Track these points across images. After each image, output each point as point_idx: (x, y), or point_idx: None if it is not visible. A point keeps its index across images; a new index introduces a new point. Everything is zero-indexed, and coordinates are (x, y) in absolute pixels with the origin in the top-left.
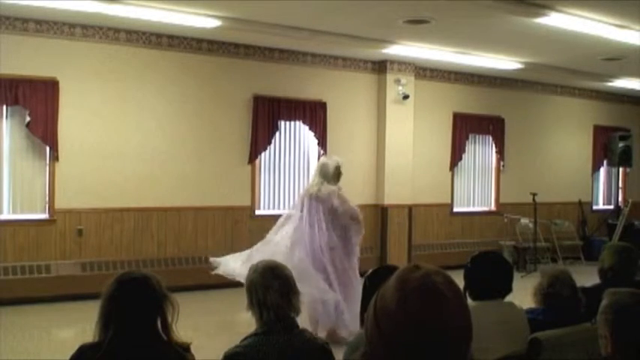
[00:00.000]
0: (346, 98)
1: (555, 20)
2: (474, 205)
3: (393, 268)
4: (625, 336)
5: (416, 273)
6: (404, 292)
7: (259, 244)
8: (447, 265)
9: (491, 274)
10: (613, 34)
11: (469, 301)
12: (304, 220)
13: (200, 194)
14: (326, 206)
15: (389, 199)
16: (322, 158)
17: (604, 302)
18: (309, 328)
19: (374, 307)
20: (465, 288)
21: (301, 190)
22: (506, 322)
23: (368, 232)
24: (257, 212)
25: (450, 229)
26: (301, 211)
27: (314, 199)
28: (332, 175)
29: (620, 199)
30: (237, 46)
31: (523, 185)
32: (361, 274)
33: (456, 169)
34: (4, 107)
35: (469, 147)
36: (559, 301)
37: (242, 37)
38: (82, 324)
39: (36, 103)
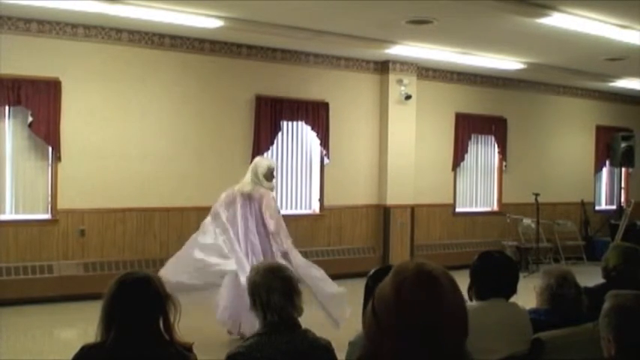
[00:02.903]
0: (348, 98)
1: (558, 20)
2: (476, 206)
3: None
4: (628, 339)
5: (411, 263)
6: (399, 279)
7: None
8: (449, 266)
9: (497, 273)
10: (615, 35)
11: (473, 301)
12: (238, 218)
13: (202, 194)
14: (255, 207)
15: (391, 200)
16: (257, 158)
17: (606, 305)
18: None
19: (372, 301)
20: (470, 286)
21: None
22: (509, 322)
23: (370, 233)
24: None
25: (453, 229)
26: (227, 210)
27: (246, 198)
28: (263, 176)
29: (622, 199)
30: (239, 46)
31: (525, 185)
32: (363, 275)
33: (458, 169)
34: (7, 107)
35: (471, 147)
36: (565, 302)
37: (244, 37)
38: (84, 324)
39: (38, 103)
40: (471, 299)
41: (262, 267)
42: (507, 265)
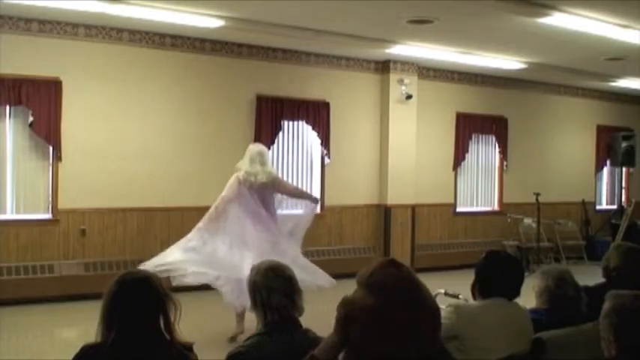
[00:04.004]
0: (349, 98)
1: (559, 20)
2: (477, 205)
3: None
4: (628, 339)
5: None
6: (368, 272)
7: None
8: (450, 265)
9: (502, 273)
10: (616, 34)
11: (475, 300)
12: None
13: (203, 194)
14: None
15: (392, 199)
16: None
17: (607, 305)
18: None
19: (349, 311)
20: (474, 284)
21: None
22: (510, 321)
23: (371, 232)
24: None
25: (453, 229)
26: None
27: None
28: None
29: (623, 199)
30: (240, 46)
31: (526, 185)
32: None
33: (459, 169)
34: (8, 107)
35: (472, 147)
36: (564, 302)
37: (245, 37)
38: (85, 324)
39: (39, 103)
40: (474, 297)
41: (263, 266)
42: (513, 266)
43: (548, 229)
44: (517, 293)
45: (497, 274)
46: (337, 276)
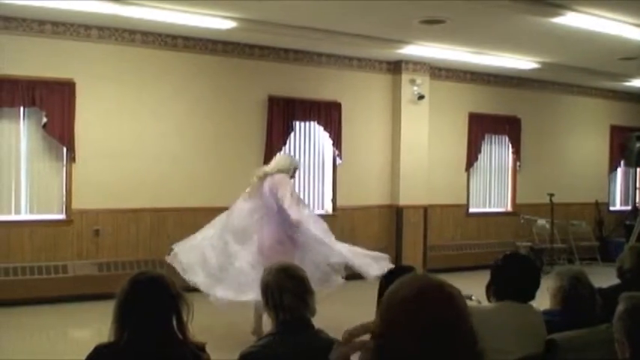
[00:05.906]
0: (361, 99)
1: (572, 20)
2: (490, 206)
3: (409, 269)
4: None
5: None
6: (416, 284)
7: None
8: (462, 266)
9: (519, 276)
10: (630, 34)
11: (490, 301)
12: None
13: (215, 195)
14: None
15: (404, 200)
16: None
17: (620, 307)
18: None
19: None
20: (489, 285)
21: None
22: (523, 323)
23: (383, 233)
24: None
25: (466, 229)
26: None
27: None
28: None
29: (637, 199)
30: (252, 47)
31: (540, 186)
32: None
33: (471, 169)
34: (21, 109)
35: (485, 147)
36: (579, 303)
37: (257, 38)
38: (98, 324)
39: (53, 104)
40: (488, 298)
41: (275, 267)
42: (531, 270)
43: (561, 230)
44: (532, 297)
45: (514, 277)
46: (349, 277)
